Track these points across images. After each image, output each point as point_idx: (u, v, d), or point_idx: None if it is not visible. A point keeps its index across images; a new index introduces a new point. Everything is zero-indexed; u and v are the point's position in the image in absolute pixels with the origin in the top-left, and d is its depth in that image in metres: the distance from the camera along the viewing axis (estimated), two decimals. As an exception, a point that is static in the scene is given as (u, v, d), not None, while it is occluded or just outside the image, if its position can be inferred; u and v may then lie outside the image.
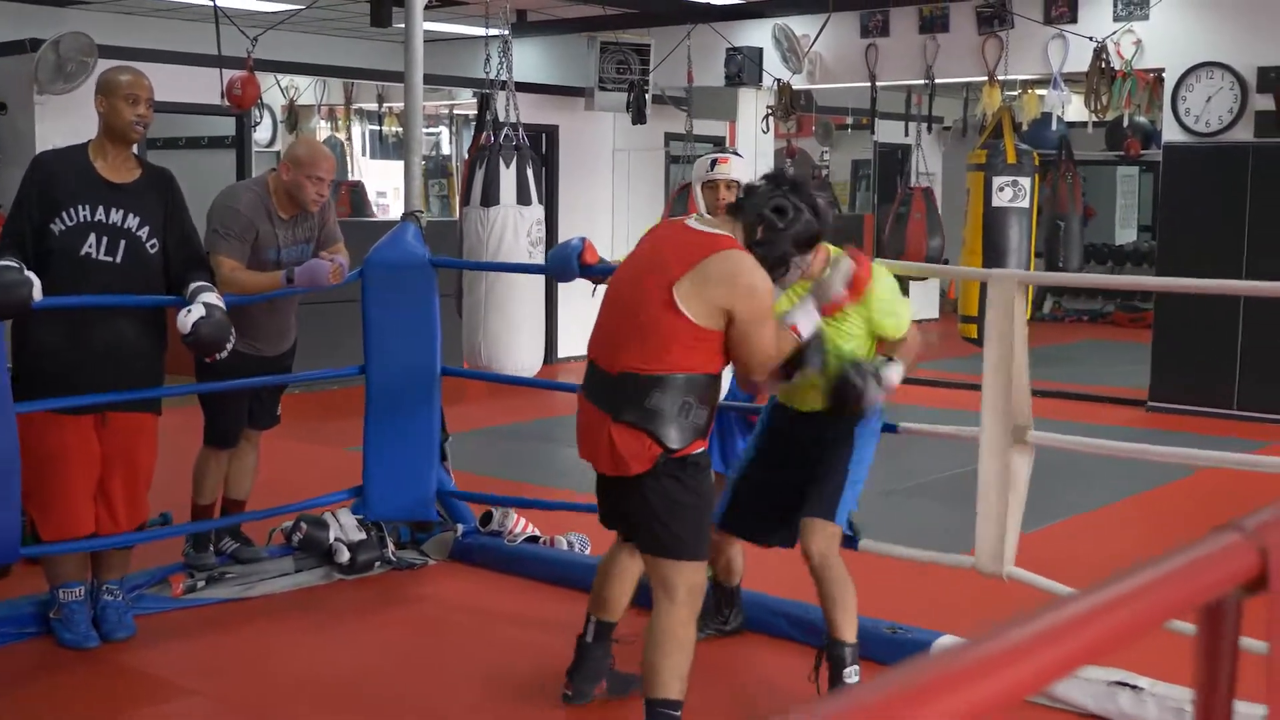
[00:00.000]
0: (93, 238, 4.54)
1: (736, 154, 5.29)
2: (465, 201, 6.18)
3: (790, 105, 11.48)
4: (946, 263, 11.96)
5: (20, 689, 4.42)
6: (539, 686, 4.36)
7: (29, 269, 4.34)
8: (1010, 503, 4.12)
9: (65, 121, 8.04)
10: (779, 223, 3.60)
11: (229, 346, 4.67)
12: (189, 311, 4.53)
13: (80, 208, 4.53)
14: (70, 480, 4.59)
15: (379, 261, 5.42)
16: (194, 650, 4.80)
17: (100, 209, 4.55)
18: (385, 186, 14.61)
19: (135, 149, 4.86)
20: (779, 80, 11.43)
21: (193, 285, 4.63)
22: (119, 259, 4.57)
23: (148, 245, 4.64)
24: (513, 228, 5.97)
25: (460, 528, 5.85)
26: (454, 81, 11.55)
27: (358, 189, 13.51)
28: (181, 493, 5.46)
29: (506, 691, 4.38)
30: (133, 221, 4.61)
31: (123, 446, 4.68)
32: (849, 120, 15.37)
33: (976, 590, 4.63)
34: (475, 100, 11.93)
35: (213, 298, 4.61)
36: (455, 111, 14.14)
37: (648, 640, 3.69)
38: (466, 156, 7.44)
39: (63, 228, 4.52)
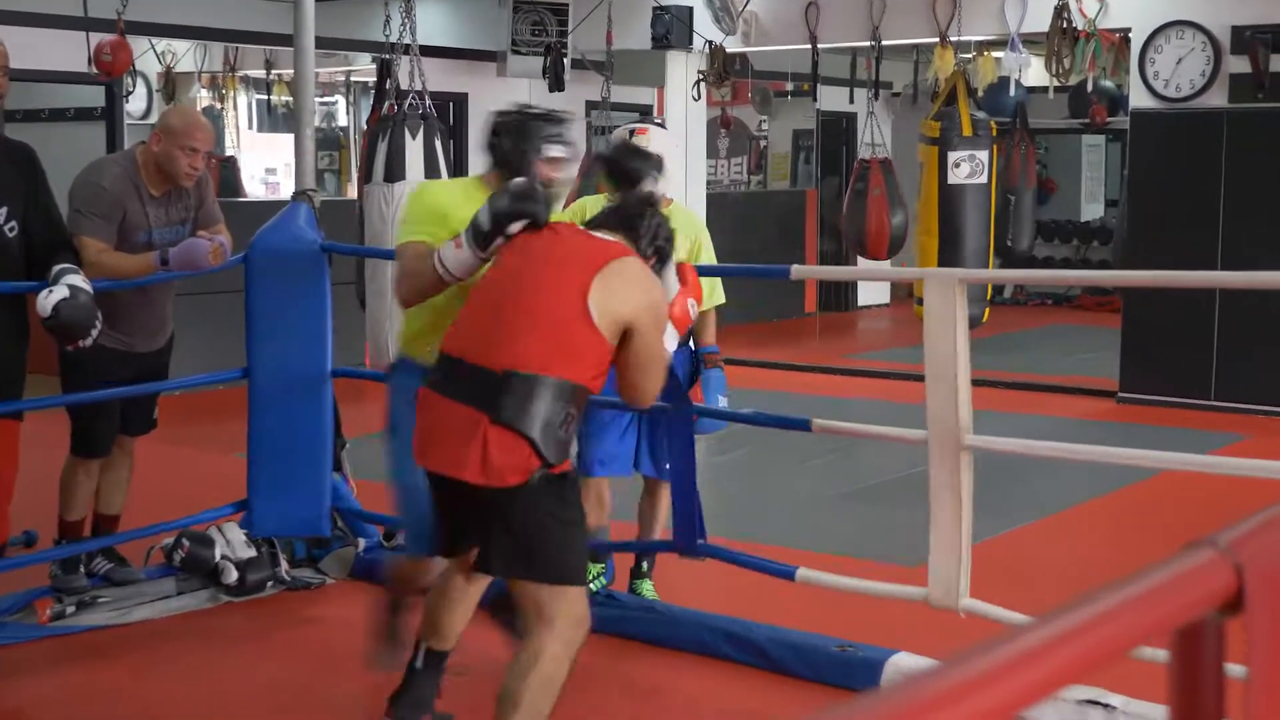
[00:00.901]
0: None
1: (659, 124, 5.30)
2: (366, 178, 6.15)
3: (724, 70, 11.51)
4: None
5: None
6: None
7: None
8: (962, 523, 4.12)
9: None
10: (669, 256, 3.81)
11: (95, 333, 4.60)
12: (50, 293, 4.47)
13: None
14: None
15: (265, 247, 5.35)
16: (62, 684, 4.74)
17: None
18: (275, 162, 14.49)
19: None
20: (711, 43, 11.45)
21: (56, 267, 4.57)
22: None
23: (5, 228, 4.58)
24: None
25: (362, 542, 5.81)
26: (350, 45, 11.44)
27: (229, 164, 13.35)
28: (46, 507, 5.38)
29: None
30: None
31: None
32: (789, 86, 15.44)
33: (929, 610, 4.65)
34: (375, 66, 11.87)
35: (78, 280, 4.55)
36: (353, 79, 14.05)
37: (513, 672, 3.58)
38: (365, 128, 7.41)
39: None
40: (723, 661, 4.81)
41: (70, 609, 5.15)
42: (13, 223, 4.59)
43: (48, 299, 4.47)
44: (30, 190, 4.68)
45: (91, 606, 5.21)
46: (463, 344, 3.60)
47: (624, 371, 3.63)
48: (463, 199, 3.99)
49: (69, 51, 8.95)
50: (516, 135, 4.00)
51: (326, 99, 14.11)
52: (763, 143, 16.72)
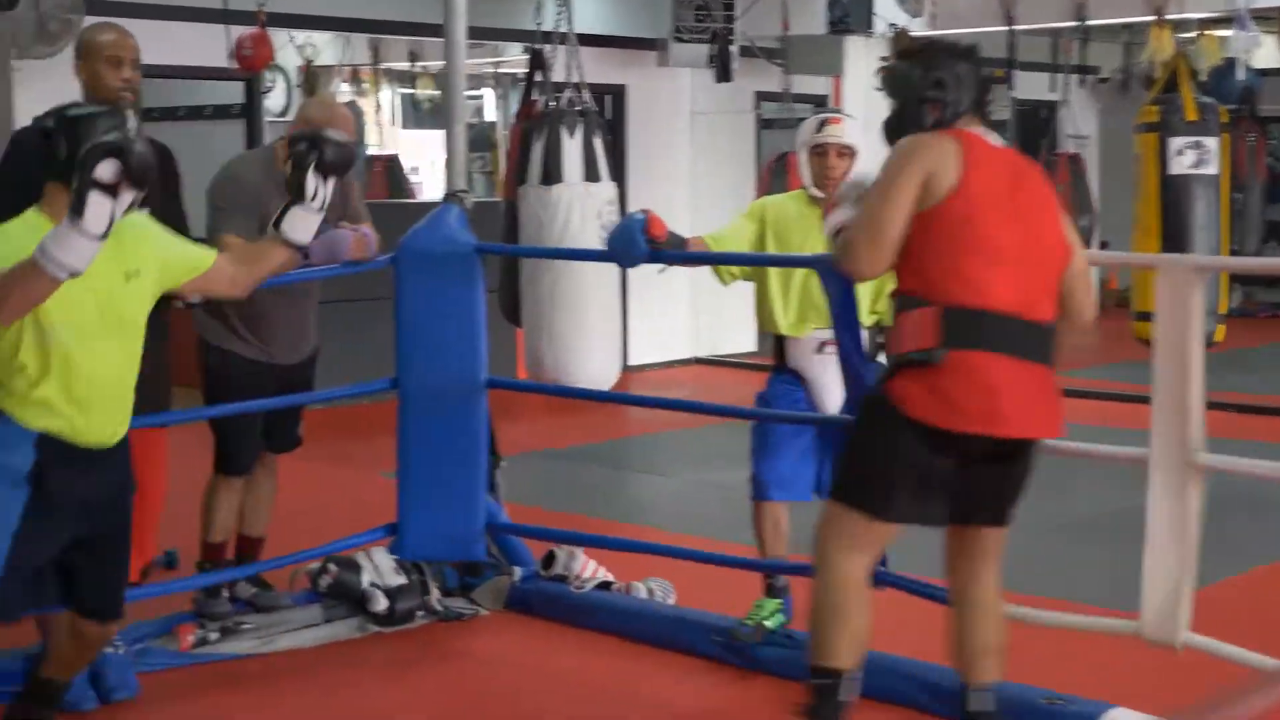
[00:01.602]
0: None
1: (849, 116, 5.33)
2: (520, 179, 6.23)
3: (909, 56, 11.43)
4: (1105, 246, 11.85)
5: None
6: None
7: None
8: (1184, 550, 4.05)
9: (47, 90, 8.19)
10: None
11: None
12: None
13: None
14: None
15: (415, 250, 5.46)
16: (202, 713, 4.90)
17: None
18: (419, 161, 14.73)
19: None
20: (894, 26, 11.39)
21: None
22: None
23: None
24: (580, 210, 6.01)
25: (518, 571, 5.90)
26: (501, 35, 11.61)
27: (394, 164, 13.60)
28: (188, 527, 5.56)
29: None
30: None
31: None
32: (980, 73, 15.24)
33: (1143, 652, 4.58)
34: (526, 57, 12.03)
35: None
36: (502, 71, 14.25)
37: (995, 617, 4.07)
38: (515, 124, 7.49)
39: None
40: (918, 712, 4.77)
41: (213, 635, 5.32)
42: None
43: None
44: (166, 191, 4.88)
45: (235, 633, 5.38)
46: (1011, 296, 3.79)
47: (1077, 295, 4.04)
48: None
49: (208, 46, 9.24)
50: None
51: (473, 92, 14.33)
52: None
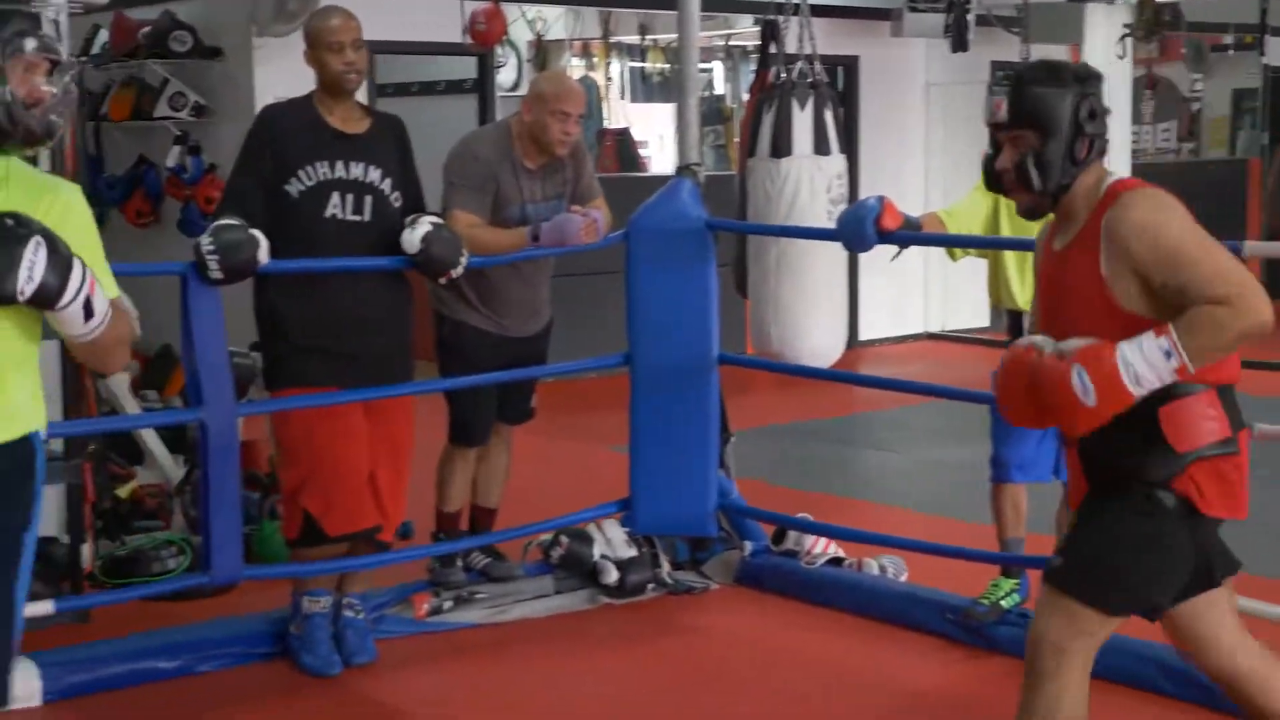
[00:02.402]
0: (336, 196, 4.85)
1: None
2: (750, 152, 6.24)
3: (1154, 23, 11.17)
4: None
5: (248, 718, 4.74)
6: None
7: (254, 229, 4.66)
8: None
9: (287, 67, 8.45)
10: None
11: (462, 264, 4.92)
12: (414, 229, 4.85)
13: (318, 165, 4.82)
14: (349, 469, 4.92)
15: (647, 225, 5.51)
16: (437, 681, 5.06)
17: (339, 164, 4.83)
18: (648, 134, 14.81)
19: (367, 99, 5.13)
20: (1137, -9, 11.13)
21: (413, 215, 4.96)
22: (368, 216, 4.87)
23: (391, 199, 4.94)
24: (809, 183, 5.99)
25: (748, 546, 5.95)
26: (733, 7, 11.64)
27: (625, 137, 13.70)
28: (423, 498, 5.71)
29: None
30: (374, 174, 4.90)
31: (389, 439, 5.02)
32: (1229, 39, 14.82)
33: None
34: (758, 30, 12.01)
35: (436, 218, 4.97)
36: (732, 44, 14.26)
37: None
38: (747, 97, 7.51)
39: (301, 189, 4.83)
40: (1158, 696, 4.71)
41: (448, 604, 5.48)
42: (396, 193, 4.96)
43: (413, 233, 4.84)
44: (402, 160, 5.04)
45: (469, 603, 5.53)
46: None
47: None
48: None
49: (443, 22, 9.42)
50: None
51: (704, 65, 14.35)
52: (1195, 105, 16.11)
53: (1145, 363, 3.13)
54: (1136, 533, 3.32)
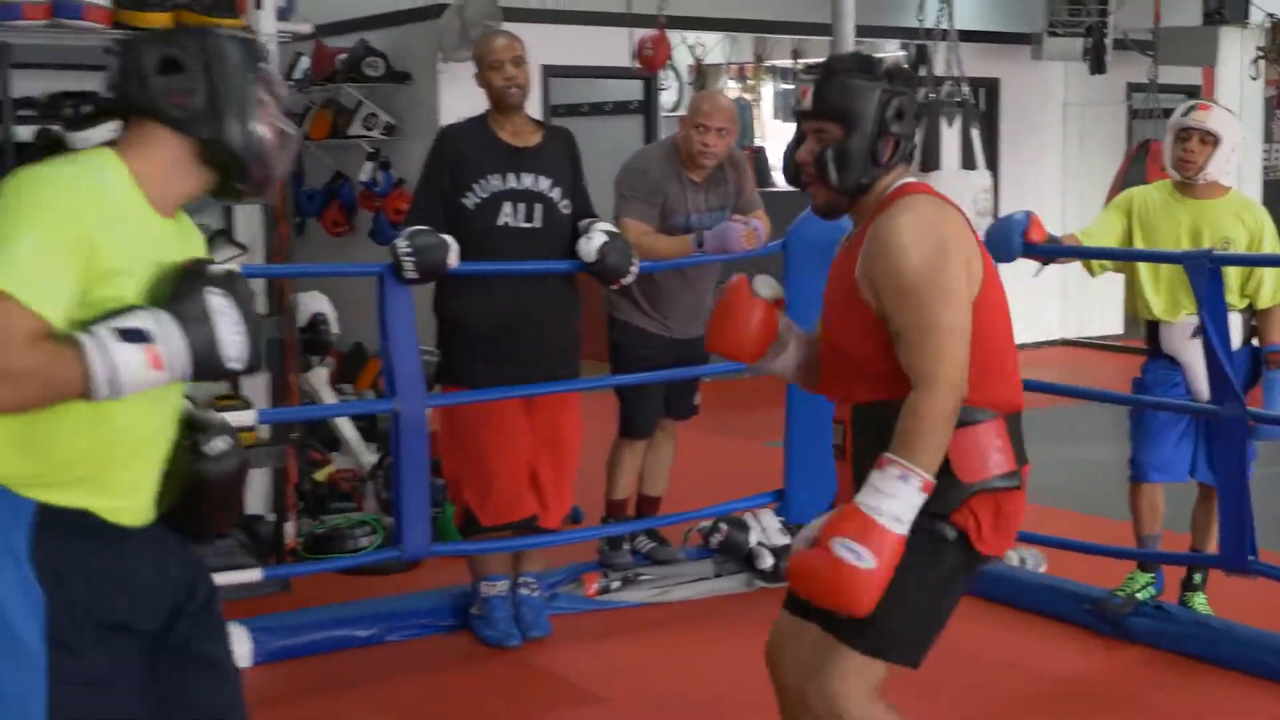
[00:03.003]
0: (508, 206, 4.92)
1: (1222, 107, 5.15)
2: (902, 168, 6.22)
3: (1286, 45, 10.90)
4: None
5: (432, 683, 4.82)
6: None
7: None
8: None
9: (468, 90, 8.57)
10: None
11: (633, 271, 4.98)
12: (590, 238, 4.91)
13: (490, 178, 4.91)
14: (507, 465, 4.98)
15: (805, 235, 5.51)
16: (605, 655, 5.10)
17: (511, 175, 4.91)
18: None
19: (541, 118, 5.20)
20: (1272, 16, 10.86)
21: (585, 221, 5.02)
22: (538, 223, 4.94)
23: (560, 206, 5.00)
24: (956, 196, 5.94)
25: (897, 535, 5.92)
26: (882, 32, 11.58)
27: (760, 155, 13.75)
28: (593, 487, 5.79)
29: None
30: (544, 184, 4.97)
31: (553, 434, 5.05)
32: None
33: None
34: (902, 53, 11.94)
35: (610, 226, 5.03)
36: (879, 66, 14.19)
37: None
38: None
39: (477, 200, 4.91)
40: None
41: (615, 584, 5.54)
42: (565, 200, 5.02)
43: (590, 243, 4.90)
44: (572, 170, 5.10)
45: (634, 584, 5.58)
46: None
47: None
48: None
49: (612, 47, 9.50)
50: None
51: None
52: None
53: (887, 498, 2.68)
54: (920, 579, 2.82)
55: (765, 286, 3.19)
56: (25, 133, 4.98)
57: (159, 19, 5.44)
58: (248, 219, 5.84)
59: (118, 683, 2.37)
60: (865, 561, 2.65)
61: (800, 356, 3.24)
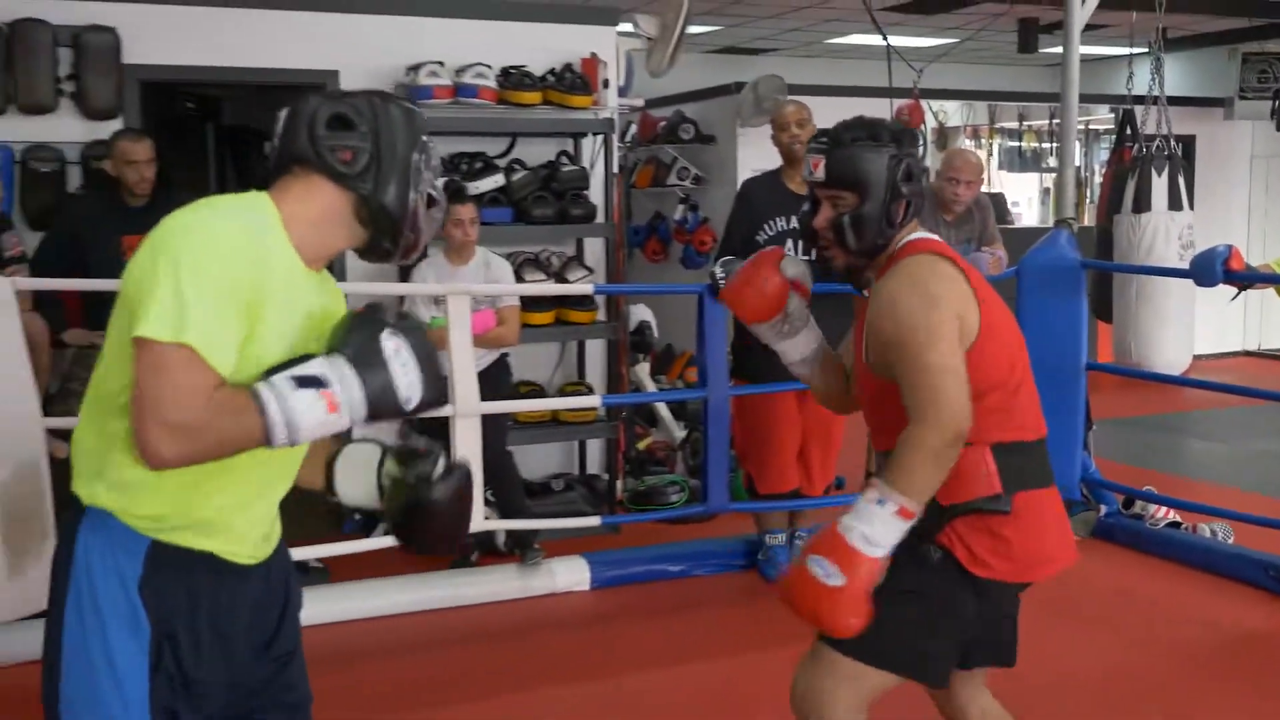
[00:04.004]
0: (790, 242, 4.86)
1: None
2: (1115, 209, 5.92)
3: None
4: None
5: (726, 611, 4.81)
6: (1163, 683, 4.10)
7: None
8: None
9: (761, 149, 8.56)
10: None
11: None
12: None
13: (778, 220, 4.85)
14: (779, 445, 4.92)
15: (1034, 264, 5.34)
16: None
17: (794, 218, 4.85)
18: (1019, 196, 14.35)
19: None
20: None
21: None
22: (814, 256, 4.84)
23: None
24: (1164, 232, 5.64)
25: (1103, 509, 5.64)
26: (1096, 99, 11.07)
27: (1000, 198, 13.36)
28: (853, 460, 5.68)
29: (1134, 685, 4.09)
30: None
31: (819, 420, 4.96)
32: None
33: None
34: (1110, 115, 11.38)
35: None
36: (1090, 127, 13.58)
37: None
38: (1104, 168, 7.14)
39: (767, 236, 4.86)
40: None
41: (870, 540, 5.41)
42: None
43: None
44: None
45: (887, 539, 5.45)
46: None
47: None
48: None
49: (875, 114, 9.31)
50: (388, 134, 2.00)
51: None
52: None
53: (864, 521, 2.25)
54: (897, 586, 2.37)
55: (791, 265, 2.71)
56: (434, 184, 5.15)
57: (531, 97, 5.62)
58: (592, 247, 5.94)
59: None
60: (833, 579, 2.23)
61: (810, 353, 2.74)
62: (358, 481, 2.10)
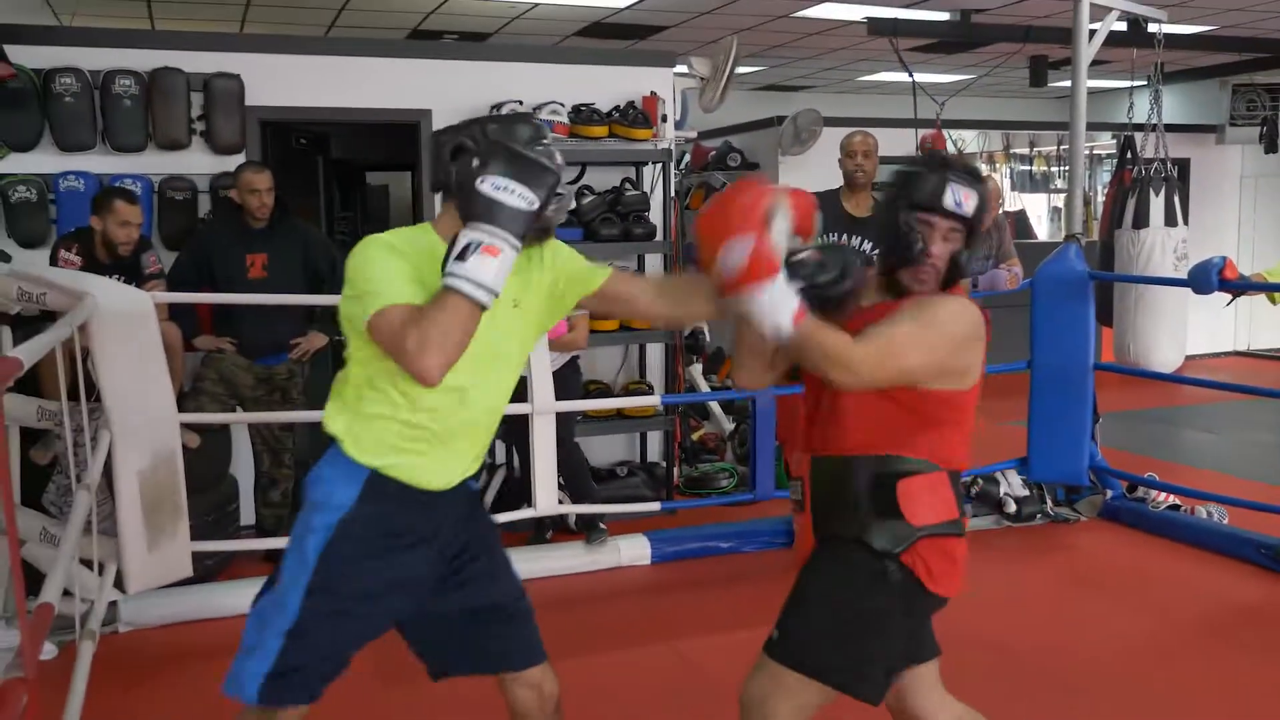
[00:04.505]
0: None
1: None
2: (1116, 224, 5.80)
3: None
4: None
5: (768, 583, 4.74)
6: (1167, 649, 4.01)
7: None
8: None
9: (801, 175, 8.50)
10: None
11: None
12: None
13: (831, 236, 4.79)
14: None
15: (1046, 274, 5.25)
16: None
17: (844, 237, 4.79)
18: (1032, 214, 14.15)
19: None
20: None
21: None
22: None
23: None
24: (1160, 246, 5.53)
25: (1109, 492, 5.54)
26: (1101, 126, 10.85)
27: (1022, 215, 13.19)
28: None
29: (1147, 648, 4.01)
30: (867, 246, 4.80)
31: None
32: None
33: None
34: (1112, 140, 11.15)
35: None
36: (1094, 151, 13.35)
37: None
38: (1106, 188, 7.00)
39: None
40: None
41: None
42: None
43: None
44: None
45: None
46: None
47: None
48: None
49: (902, 142, 9.23)
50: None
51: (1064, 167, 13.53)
52: None
53: (777, 295, 2.00)
54: (859, 608, 2.19)
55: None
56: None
57: (599, 130, 5.61)
58: (652, 263, 5.92)
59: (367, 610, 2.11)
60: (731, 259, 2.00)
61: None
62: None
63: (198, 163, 5.24)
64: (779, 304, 2.01)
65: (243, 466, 5.11)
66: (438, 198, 2.24)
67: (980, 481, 5.46)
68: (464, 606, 2.24)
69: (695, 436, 6.61)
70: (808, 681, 2.20)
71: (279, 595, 2.10)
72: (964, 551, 2.26)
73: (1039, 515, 5.45)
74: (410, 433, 2.09)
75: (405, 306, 1.94)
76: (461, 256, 1.89)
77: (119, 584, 3.74)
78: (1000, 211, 5.36)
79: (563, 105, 5.55)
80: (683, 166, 10.15)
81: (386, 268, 1.99)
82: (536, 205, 1.91)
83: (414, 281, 1.99)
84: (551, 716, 2.33)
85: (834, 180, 4.93)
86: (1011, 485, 5.47)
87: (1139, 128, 6.58)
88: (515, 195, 1.90)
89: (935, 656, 2.43)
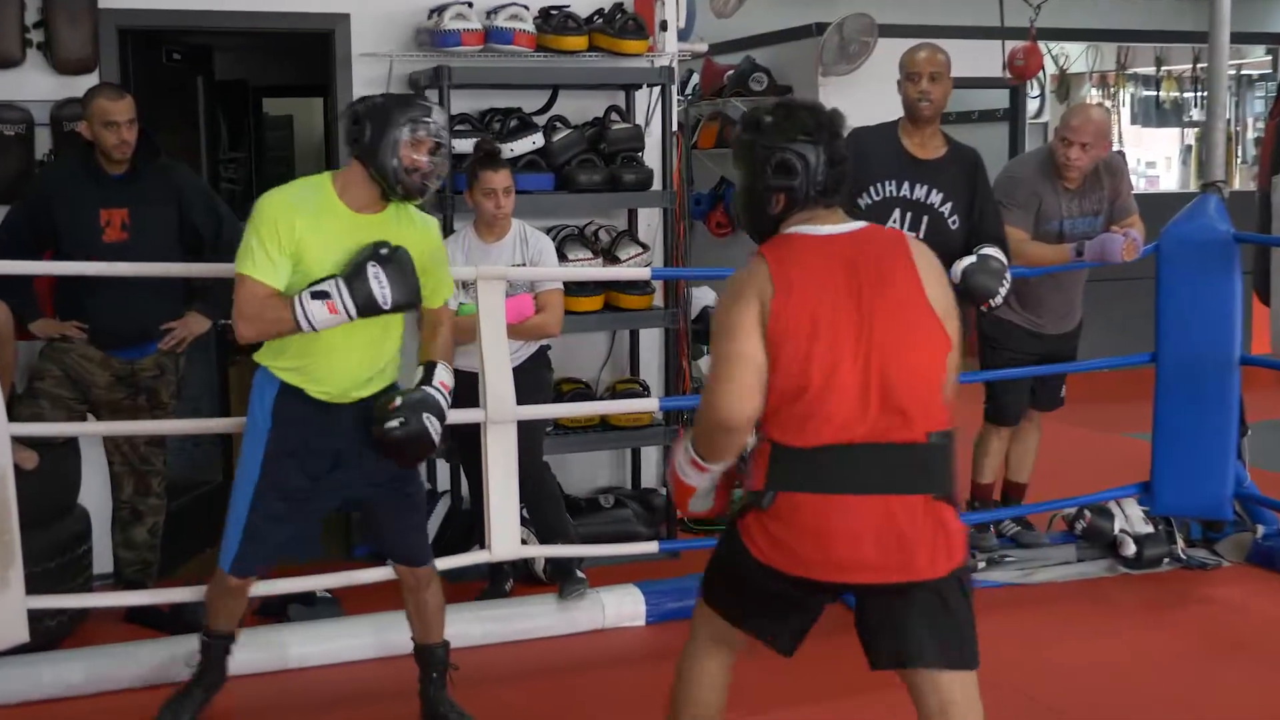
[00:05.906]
0: (897, 212, 4.80)
1: None
2: (1276, 169, 5.83)
3: None
4: None
5: (802, 647, 4.76)
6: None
7: None
8: None
9: (848, 101, 8.48)
10: None
11: (1001, 292, 4.68)
12: (960, 260, 4.64)
13: (887, 183, 4.80)
14: None
15: (1177, 237, 5.28)
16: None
17: (905, 184, 4.79)
18: (1155, 156, 14.15)
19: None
20: None
21: (978, 244, 4.76)
22: (921, 233, 4.76)
23: (949, 221, 4.81)
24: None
25: (1260, 529, 5.57)
26: (1252, 38, 10.88)
27: (1120, 157, 13.20)
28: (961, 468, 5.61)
29: None
30: (935, 197, 4.81)
31: None
32: None
33: None
34: (1268, 58, 11.20)
35: (995, 251, 4.72)
36: (1242, 73, 13.38)
37: None
38: (1263, 122, 7.03)
39: (869, 202, 4.80)
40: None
41: (981, 564, 5.37)
42: (955, 217, 4.81)
43: (958, 265, 4.61)
44: (975, 188, 4.87)
45: (999, 565, 5.42)
46: (851, 426, 2.83)
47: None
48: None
49: (984, 59, 9.25)
50: (378, 119, 3.60)
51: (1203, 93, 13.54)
52: None
53: (682, 455, 3.03)
54: (718, 550, 3.14)
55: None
56: (464, 145, 5.16)
57: (576, 42, 5.62)
58: (647, 220, 5.92)
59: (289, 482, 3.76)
60: (688, 479, 3.07)
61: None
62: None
63: (34, 85, 5.22)
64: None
65: (96, 494, 5.11)
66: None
67: (1088, 514, 5.49)
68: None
69: (706, 454, 6.62)
70: (704, 605, 3.15)
71: None
72: (784, 526, 2.87)
73: (1166, 559, 5.48)
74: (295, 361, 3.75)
75: (260, 285, 3.57)
76: (318, 295, 3.55)
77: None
78: (1114, 151, 5.33)
79: (526, 8, 5.55)
80: (689, 92, 10.18)
81: (266, 238, 3.58)
82: (388, 307, 3.60)
83: (289, 256, 3.59)
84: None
85: (892, 111, 4.93)
86: (1130, 519, 5.51)
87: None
88: (382, 291, 3.56)
89: (927, 664, 2.94)
